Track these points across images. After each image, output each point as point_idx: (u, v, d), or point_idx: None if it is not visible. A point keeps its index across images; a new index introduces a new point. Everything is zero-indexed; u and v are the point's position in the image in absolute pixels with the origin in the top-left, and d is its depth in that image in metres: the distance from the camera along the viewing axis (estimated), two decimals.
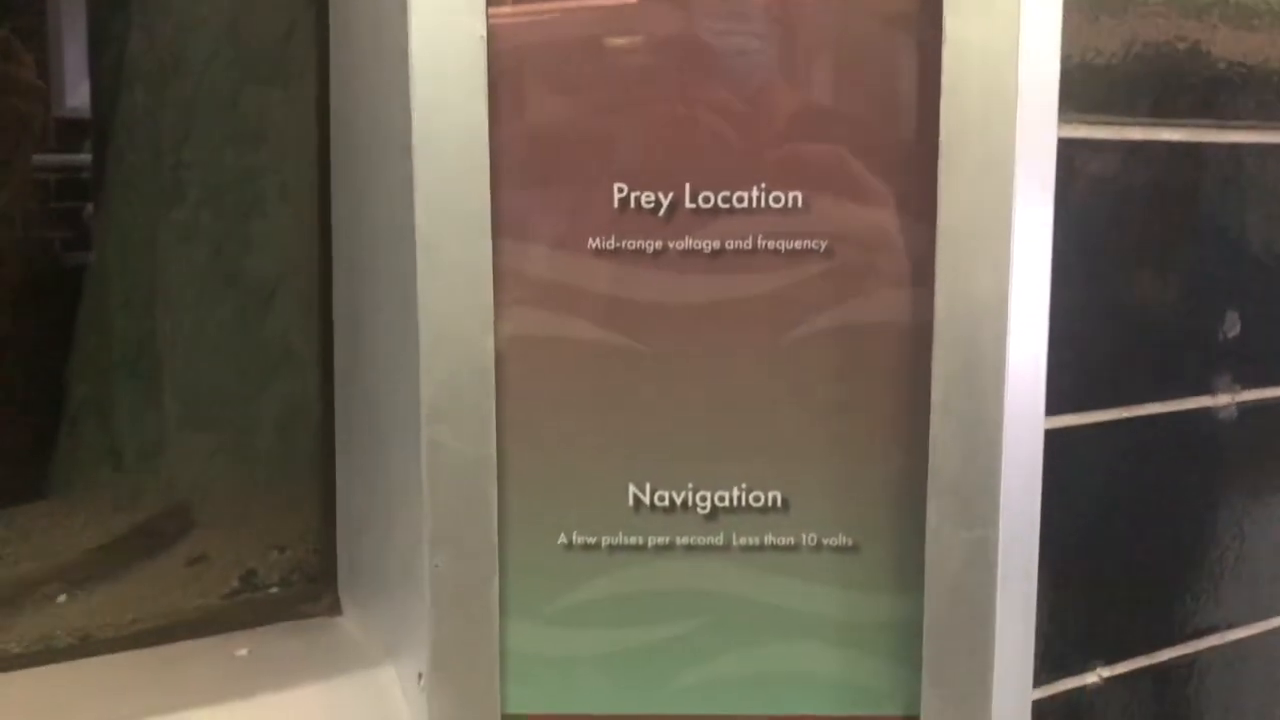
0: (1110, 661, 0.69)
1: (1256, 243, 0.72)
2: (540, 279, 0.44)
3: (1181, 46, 0.67)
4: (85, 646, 0.67)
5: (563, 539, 0.46)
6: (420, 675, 0.58)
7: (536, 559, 0.45)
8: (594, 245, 0.44)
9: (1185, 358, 0.70)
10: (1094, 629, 0.68)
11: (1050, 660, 0.65)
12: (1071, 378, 0.64)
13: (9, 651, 0.65)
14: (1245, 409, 0.72)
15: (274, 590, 0.73)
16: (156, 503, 0.86)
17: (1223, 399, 0.71)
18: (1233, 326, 0.70)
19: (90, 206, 1.09)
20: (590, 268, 0.44)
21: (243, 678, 0.63)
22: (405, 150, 0.51)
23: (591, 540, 0.46)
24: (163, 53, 0.89)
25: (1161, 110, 0.66)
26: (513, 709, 0.47)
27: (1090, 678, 0.68)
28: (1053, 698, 0.66)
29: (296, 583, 0.74)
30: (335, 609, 0.70)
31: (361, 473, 0.66)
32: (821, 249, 0.44)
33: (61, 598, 0.72)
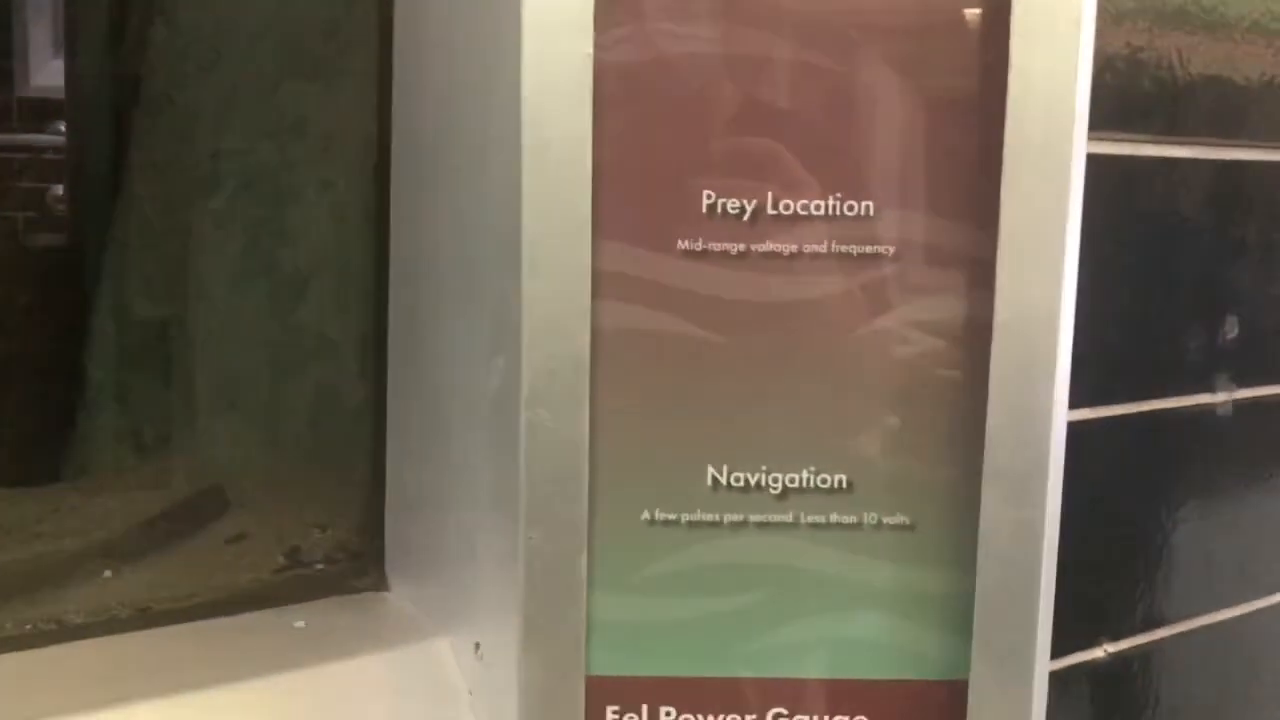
0: (1115, 638, 0.74)
1: (1255, 252, 0.77)
2: (633, 277, 0.48)
3: (1193, 67, 0.72)
4: (146, 618, 0.69)
5: (645, 515, 0.50)
6: (477, 645, 0.62)
7: (621, 534, 0.50)
8: (683, 247, 0.48)
9: (1188, 358, 0.75)
10: (1101, 608, 0.74)
11: (1063, 636, 0.70)
12: (1086, 374, 0.68)
13: (71, 621, 0.68)
14: (1241, 406, 0.77)
15: (320, 567, 0.76)
16: (185, 485, 0.88)
17: (1221, 396, 0.76)
18: (1231, 329, 0.76)
19: (59, 188, 1.09)
20: (678, 267, 0.48)
21: (303, 649, 0.66)
22: (488, 153, 0.55)
23: (672, 517, 0.50)
24: (193, 43, 0.90)
25: (1172, 128, 0.71)
26: (595, 672, 0.51)
27: (1098, 652, 0.74)
28: (1066, 669, 0.72)
29: (341, 560, 0.77)
30: (382, 584, 0.73)
31: (415, 455, 0.70)
32: (890, 254, 0.49)
33: (107, 573, 0.75)
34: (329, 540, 0.78)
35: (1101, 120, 0.69)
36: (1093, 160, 0.69)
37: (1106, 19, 0.67)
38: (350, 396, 0.82)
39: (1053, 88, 0.46)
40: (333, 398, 0.85)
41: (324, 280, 0.86)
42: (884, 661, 0.51)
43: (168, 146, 0.95)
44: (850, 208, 0.48)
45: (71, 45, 1.00)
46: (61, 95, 0.99)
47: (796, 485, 0.50)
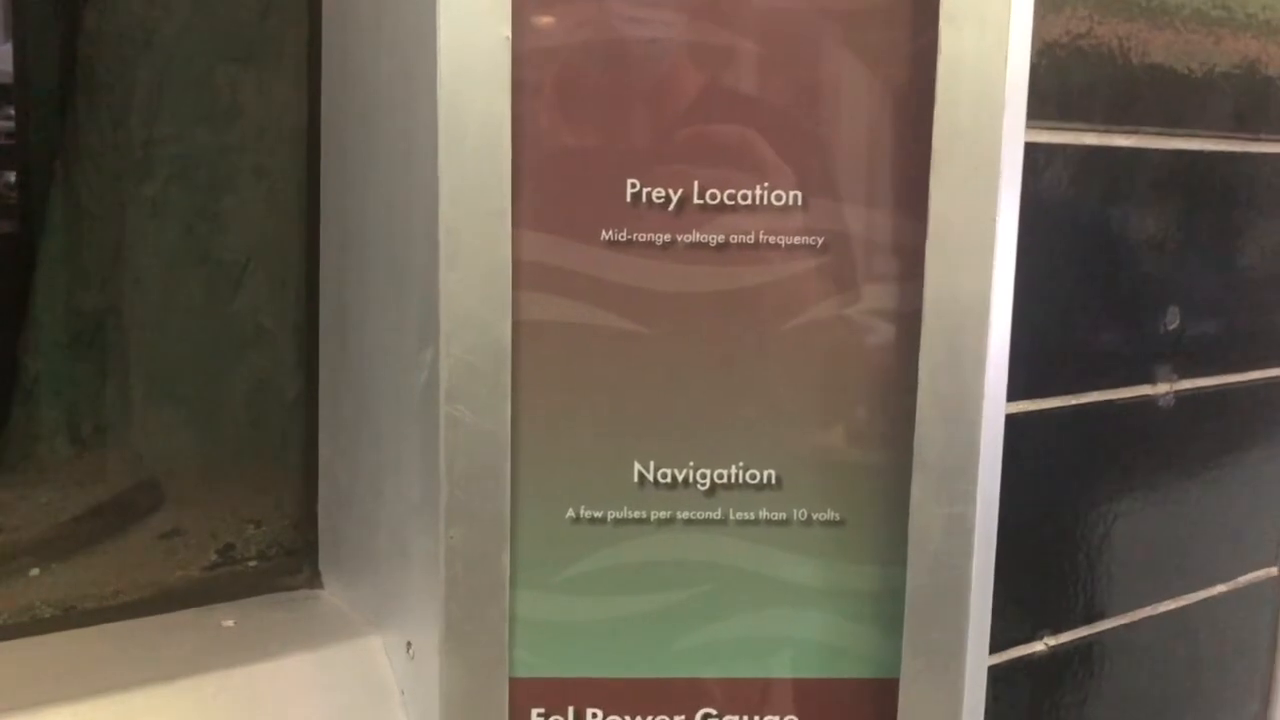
0: (1055, 631, 0.74)
1: (1197, 242, 0.77)
2: (555, 267, 0.47)
3: (1135, 56, 0.71)
4: (69, 618, 0.67)
5: (570, 513, 0.49)
6: (409, 645, 0.60)
7: (545, 531, 0.48)
8: (607, 237, 0.47)
9: (1129, 349, 0.75)
10: (1041, 601, 0.73)
11: (1002, 630, 0.69)
12: (1025, 366, 0.68)
13: None
14: (1182, 398, 0.77)
15: (253, 564, 0.74)
16: (121, 478, 0.86)
17: (1162, 388, 0.76)
18: (1172, 320, 0.75)
19: (11, 176, 1.06)
20: (602, 258, 0.47)
21: (231, 648, 0.64)
22: (412, 139, 0.53)
23: (598, 514, 0.49)
24: (127, 26, 0.88)
25: (1114, 117, 0.71)
26: (519, 673, 0.49)
27: (1038, 646, 0.73)
28: (1006, 663, 0.71)
29: (275, 556, 0.75)
30: (316, 582, 0.71)
31: (347, 450, 0.68)
32: (818, 244, 0.48)
33: (34, 571, 0.72)
34: (263, 536, 0.77)
35: (1041, 109, 0.68)
36: (1032, 149, 0.68)
37: (1046, 5, 0.67)
38: (287, 388, 0.80)
39: (982, 73, 0.45)
40: (269, 390, 0.83)
41: (260, 269, 0.84)
42: (814, 660, 0.50)
43: (103, 132, 0.92)
44: (778, 197, 0.47)
45: (20, 29, 0.98)
46: (10, 80, 0.96)
47: (725, 481, 0.49)
